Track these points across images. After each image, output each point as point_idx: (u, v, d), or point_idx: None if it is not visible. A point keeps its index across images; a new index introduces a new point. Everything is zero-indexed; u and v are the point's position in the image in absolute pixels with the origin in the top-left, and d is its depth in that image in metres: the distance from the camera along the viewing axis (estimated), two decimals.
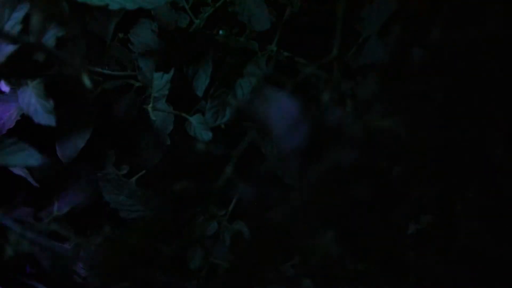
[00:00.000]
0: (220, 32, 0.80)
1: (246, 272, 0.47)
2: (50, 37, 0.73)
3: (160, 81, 0.76)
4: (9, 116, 0.77)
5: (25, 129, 0.74)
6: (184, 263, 0.74)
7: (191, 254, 0.73)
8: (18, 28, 0.70)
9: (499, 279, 0.53)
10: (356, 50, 0.76)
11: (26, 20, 0.72)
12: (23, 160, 0.67)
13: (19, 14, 0.72)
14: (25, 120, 0.74)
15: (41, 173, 0.74)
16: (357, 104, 0.62)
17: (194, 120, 0.77)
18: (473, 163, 0.48)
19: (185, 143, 0.80)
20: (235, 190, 0.50)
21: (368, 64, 0.73)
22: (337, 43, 0.62)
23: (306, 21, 0.81)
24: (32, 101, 0.73)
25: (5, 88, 0.75)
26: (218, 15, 0.80)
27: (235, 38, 0.79)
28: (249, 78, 0.76)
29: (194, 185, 0.53)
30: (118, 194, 0.73)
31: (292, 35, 0.80)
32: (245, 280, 0.48)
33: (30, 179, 0.75)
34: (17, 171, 0.73)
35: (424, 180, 0.51)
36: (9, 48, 0.73)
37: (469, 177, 0.49)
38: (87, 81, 0.67)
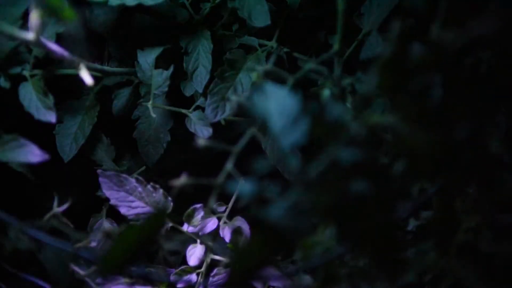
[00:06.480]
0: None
1: (246, 268, 0.47)
2: (49, 34, 0.73)
3: (160, 78, 0.76)
4: None
5: (25, 125, 0.73)
6: (184, 259, 0.74)
7: (191, 250, 0.74)
8: (18, 24, 0.71)
9: (499, 275, 0.53)
10: (357, 46, 0.76)
11: (26, 16, 0.72)
12: (23, 156, 0.67)
13: (18, 10, 0.72)
14: (25, 117, 0.74)
15: (41, 169, 0.74)
16: (358, 100, 0.62)
17: (194, 116, 0.77)
18: (473, 159, 0.48)
19: (185, 140, 0.80)
20: (235, 186, 0.50)
21: (368, 59, 0.73)
22: (338, 39, 0.62)
23: (306, 16, 0.81)
24: (32, 97, 0.73)
25: (6, 84, 0.75)
26: (218, 11, 0.80)
27: (235, 34, 0.79)
28: (249, 74, 0.76)
29: (194, 181, 0.53)
30: (118, 190, 0.72)
31: (292, 30, 0.80)
32: (245, 277, 0.48)
33: (30, 175, 0.75)
34: (17, 167, 0.73)
35: (424, 177, 0.51)
36: (10, 45, 0.74)
37: (469, 173, 0.49)
38: (87, 78, 0.67)
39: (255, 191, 0.46)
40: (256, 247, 0.46)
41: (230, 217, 0.76)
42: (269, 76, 0.59)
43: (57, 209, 0.67)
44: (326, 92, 0.60)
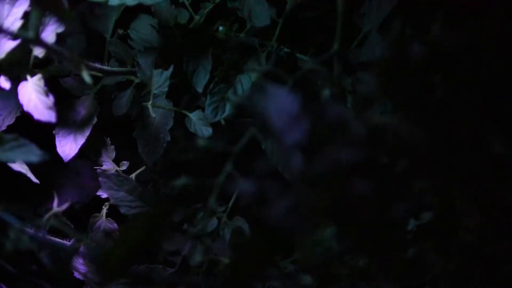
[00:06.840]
0: (220, 28, 0.79)
1: (246, 268, 0.47)
2: (49, 33, 0.73)
3: (160, 78, 0.76)
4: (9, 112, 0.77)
5: (25, 125, 0.73)
6: (184, 259, 0.74)
7: (191, 250, 0.73)
8: (18, 24, 0.71)
9: (499, 275, 0.53)
10: (357, 46, 0.76)
11: (26, 16, 0.72)
12: (23, 156, 0.67)
13: (19, 10, 0.72)
14: (25, 116, 0.74)
15: (41, 169, 0.74)
16: (358, 100, 0.62)
17: (194, 116, 0.77)
18: (473, 159, 0.48)
19: (185, 139, 0.80)
20: (235, 186, 0.50)
21: (368, 59, 0.73)
22: (338, 39, 0.62)
23: (306, 16, 0.81)
24: (32, 97, 0.73)
25: (6, 84, 0.75)
26: (218, 11, 0.80)
27: (235, 34, 0.79)
28: (249, 74, 0.76)
29: (194, 181, 0.53)
30: (118, 190, 0.72)
31: (292, 30, 0.80)
32: (245, 276, 0.48)
33: (30, 175, 0.74)
34: (17, 167, 0.73)
35: (425, 176, 0.51)
36: (9, 44, 0.73)
37: (469, 173, 0.49)
38: (86, 77, 0.67)
39: (255, 191, 0.46)
40: (256, 247, 0.46)
41: (230, 217, 0.76)
42: (269, 76, 0.59)
43: (57, 209, 0.67)
44: (326, 92, 0.60)
